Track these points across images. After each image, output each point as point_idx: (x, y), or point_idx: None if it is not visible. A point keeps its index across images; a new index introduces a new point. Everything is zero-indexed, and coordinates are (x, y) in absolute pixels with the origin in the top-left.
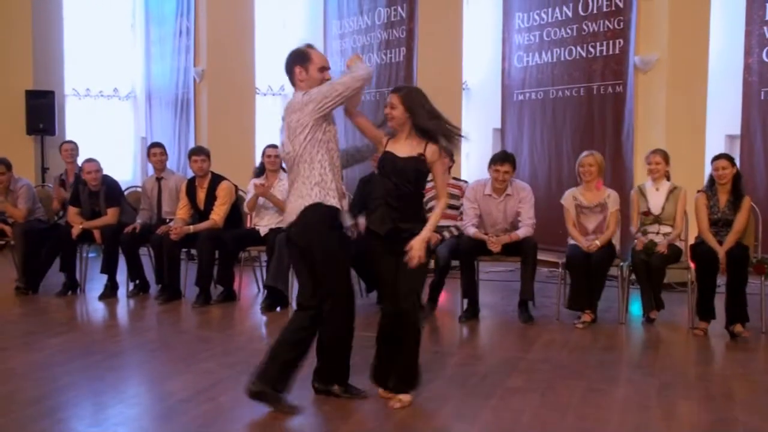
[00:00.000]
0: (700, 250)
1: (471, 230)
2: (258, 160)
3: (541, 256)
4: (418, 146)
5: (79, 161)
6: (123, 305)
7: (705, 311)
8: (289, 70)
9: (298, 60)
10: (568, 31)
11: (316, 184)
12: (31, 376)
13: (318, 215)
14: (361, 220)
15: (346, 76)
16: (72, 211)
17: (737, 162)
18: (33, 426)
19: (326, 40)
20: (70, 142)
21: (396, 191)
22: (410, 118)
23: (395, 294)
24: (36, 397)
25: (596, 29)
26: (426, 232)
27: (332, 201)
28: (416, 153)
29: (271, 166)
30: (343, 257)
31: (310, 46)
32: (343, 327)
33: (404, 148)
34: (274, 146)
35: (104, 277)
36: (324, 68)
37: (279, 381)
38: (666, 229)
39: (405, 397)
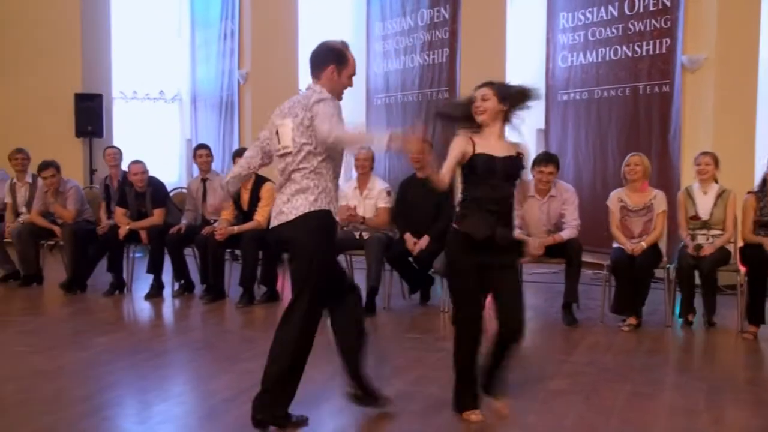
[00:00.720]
0: (751, 252)
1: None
2: None
3: (585, 258)
4: (512, 146)
5: (124, 164)
6: (168, 305)
7: (755, 315)
8: (321, 64)
9: (336, 59)
10: (614, 30)
11: (323, 191)
12: (79, 375)
13: (322, 222)
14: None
15: (356, 131)
16: (119, 212)
17: None
18: (80, 424)
19: (369, 42)
20: (114, 147)
21: (494, 194)
22: (504, 110)
23: (509, 312)
24: (83, 395)
25: (642, 28)
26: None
27: (332, 206)
28: (515, 153)
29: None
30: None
31: (347, 46)
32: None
33: (499, 148)
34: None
35: (150, 277)
36: (352, 75)
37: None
38: (715, 233)
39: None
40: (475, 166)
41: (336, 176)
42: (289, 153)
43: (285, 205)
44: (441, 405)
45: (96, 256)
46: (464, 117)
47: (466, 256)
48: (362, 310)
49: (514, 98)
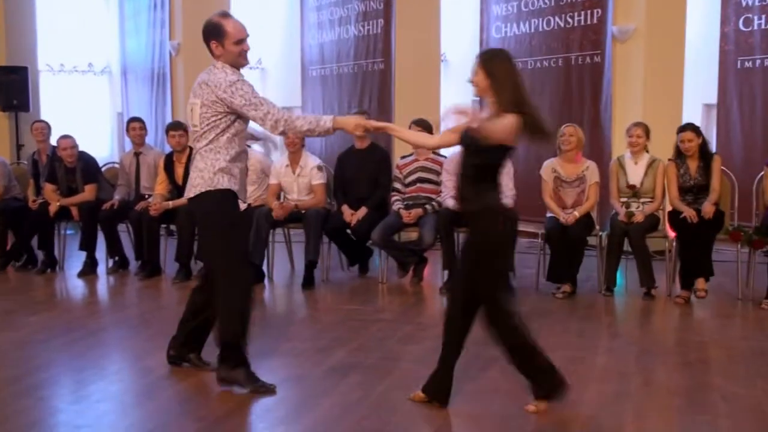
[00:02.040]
0: (679, 218)
1: (450, 202)
2: None
3: (520, 227)
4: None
5: (53, 139)
6: (103, 282)
7: (689, 275)
8: (206, 43)
9: (213, 34)
10: (546, 1)
11: (220, 169)
12: (11, 355)
13: (221, 199)
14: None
15: (291, 116)
16: (49, 188)
17: (714, 131)
18: (14, 404)
19: (303, 12)
20: (41, 121)
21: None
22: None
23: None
24: (16, 375)
25: None
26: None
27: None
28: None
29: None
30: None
31: (224, 15)
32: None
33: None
34: None
35: (83, 255)
36: (241, 41)
37: None
38: (645, 201)
39: None
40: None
41: (239, 155)
42: (197, 131)
43: (190, 182)
44: (382, 375)
45: (28, 233)
46: None
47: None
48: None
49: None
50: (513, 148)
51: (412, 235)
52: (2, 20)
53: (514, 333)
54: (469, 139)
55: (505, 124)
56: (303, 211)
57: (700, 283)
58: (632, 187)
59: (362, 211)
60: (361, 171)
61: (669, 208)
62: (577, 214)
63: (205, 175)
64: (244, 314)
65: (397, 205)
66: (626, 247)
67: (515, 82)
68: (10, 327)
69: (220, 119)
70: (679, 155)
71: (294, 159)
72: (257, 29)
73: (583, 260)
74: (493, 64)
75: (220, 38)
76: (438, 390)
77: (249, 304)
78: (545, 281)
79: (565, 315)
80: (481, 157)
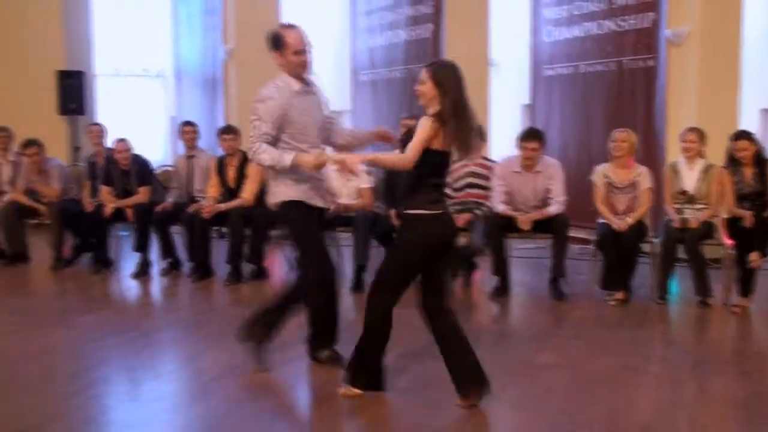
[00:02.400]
0: (737, 226)
1: (500, 207)
2: None
3: (572, 233)
4: None
5: (109, 141)
6: (156, 283)
7: (746, 287)
8: (271, 52)
9: (274, 45)
10: (599, 4)
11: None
12: (68, 353)
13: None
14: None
15: (261, 148)
16: (104, 190)
17: None
18: (70, 402)
19: (353, 17)
20: (97, 124)
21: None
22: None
23: None
24: (71, 373)
25: (627, 2)
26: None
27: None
28: None
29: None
30: None
31: (287, 26)
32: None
33: None
34: None
35: (137, 256)
36: (300, 51)
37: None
38: (700, 207)
39: None
40: None
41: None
42: None
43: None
44: (430, 379)
45: (85, 234)
46: None
47: None
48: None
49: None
50: (440, 153)
51: (461, 240)
52: (61, 26)
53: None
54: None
55: (422, 125)
56: (352, 215)
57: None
58: (685, 193)
59: None
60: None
61: (725, 215)
62: (630, 220)
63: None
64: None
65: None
66: (682, 254)
67: (458, 94)
68: (66, 325)
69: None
70: (733, 162)
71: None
72: (307, 33)
73: (636, 267)
74: (442, 75)
75: (281, 48)
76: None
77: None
78: (598, 288)
79: (618, 322)
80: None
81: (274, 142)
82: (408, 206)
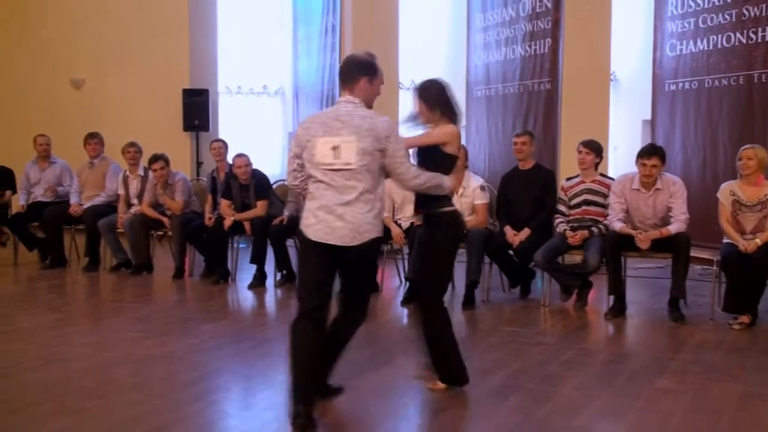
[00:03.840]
0: None
1: (617, 225)
2: None
3: (693, 253)
4: None
5: (229, 157)
6: (271, 294)
7: None
8: (354, 77)
9: (368, 70)
10: (726, 16)
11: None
12: (188, 360)
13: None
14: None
15: (428, 176)
16: (224, 203)
17: None
18: (189, 407)
19: (469, 33)
20: (219, 140)
21: None
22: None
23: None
24: (191, 379)
25: (758, 13)
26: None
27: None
28: None
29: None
30: None
31: (374, 56)
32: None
33: None
34: None
35: (254, 267)
36: (382, 83)
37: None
38: None
39: None
40: None
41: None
42: (349, 170)
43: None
44: (542, 399)
45: (206, 246)
46: None
47: None
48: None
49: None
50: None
51: (576, 258)
52: (187, 47)
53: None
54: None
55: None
56: (465, 232)
57: None
58: None
59: (525, 232)
60: (525, 192)
61: None
62: (759, 241)
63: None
64: None
65: (561, 227)
66: None
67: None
68: (187, 333)
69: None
70: None
71: (457, 179)
72: (422, 50)
73: (764, 290)
74: (429, 93)
75: (372, 76)
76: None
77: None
78: (720, 311)
79: (742, 348)
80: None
81: None
82: (439, 205)
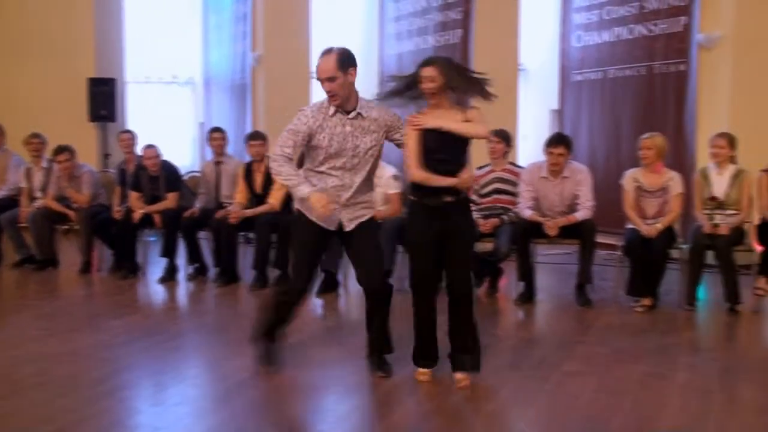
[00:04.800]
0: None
1: (527, 213)
2: None
3: (599, 239)
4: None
5: (138, 148)
6: (182, 288)
7: None
8: (346, 67)
9: (354, 62)
10: (629, 9)
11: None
12: (95, 357)
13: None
14: None
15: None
16: (133, 196)
17: None
18: (98, 405)
19: (382, 23)
20: (128, 131)
21: (440, 168)
22: (446, 85)
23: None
24: (99, 377)
25: (659, 6)
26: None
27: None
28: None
29: None
30: None
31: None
32: None
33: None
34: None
35: (164, 261)
36: (319, 80)
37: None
38: (730, 213)
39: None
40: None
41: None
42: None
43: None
44: (455, 385)
45: (114, 240)
46: (408, 91)
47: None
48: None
49: (457, 81)
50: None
51: (487, 245)
52: (93, 34)
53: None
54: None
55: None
56: (379, 221)
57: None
58: (714, 198)
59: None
60: None
61: (756, 221)
62: (660, 226)
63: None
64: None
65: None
66: (711, 260)
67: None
68: (96, 329)
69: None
70: None
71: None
72: (335, 40)
73: (664, 273)
74: (449, 68)
75: (355, 67)
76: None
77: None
78: (624, 294)
79: (645, 329)
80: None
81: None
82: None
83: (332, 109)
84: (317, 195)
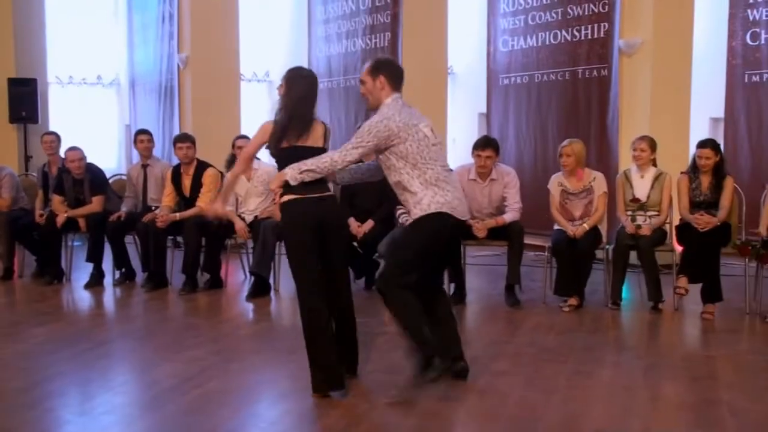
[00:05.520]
0: (687, 230)
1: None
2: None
3: (527, 240)
4: None
5: (62, 150)
6: (109, 293)
7: (712, 293)
8: (376, 75)
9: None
10: (553, 15)
11: None
12: (18, 366)
13: None
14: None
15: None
16: (56, 199)
17: (721, 145)
18: (21, 415)
19: (311, 25)
20: (51, 133)
21: None
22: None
23: None
24: (22, 387)
25: (581, 13)
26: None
27: None
28: None
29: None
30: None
31: (390, 60)
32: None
33: None
34: (244, 137)
35: (90, 266)
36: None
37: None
38: (652, 214)
39: None
40: None
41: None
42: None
43: None
44: (387, 387)
45: (36, 245)
46: None
47: None
48: None
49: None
50: None
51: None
52: (12, 33)
53: None
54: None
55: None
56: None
57: (708, 307)
58: (636, 200)
59: (369, 223)
60: (368, 184)
61: (676, 221)
62: (586, 226)
63: None
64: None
65: (403, 218)
66: (634, 260)
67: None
68: (17, 338)
69: None
70: (694, 169)
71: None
72: (264, 42)
73: (590, 273)
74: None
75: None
76: None
77: None
78: (552, 294)
79: (572, 328)
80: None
81: None
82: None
83: None
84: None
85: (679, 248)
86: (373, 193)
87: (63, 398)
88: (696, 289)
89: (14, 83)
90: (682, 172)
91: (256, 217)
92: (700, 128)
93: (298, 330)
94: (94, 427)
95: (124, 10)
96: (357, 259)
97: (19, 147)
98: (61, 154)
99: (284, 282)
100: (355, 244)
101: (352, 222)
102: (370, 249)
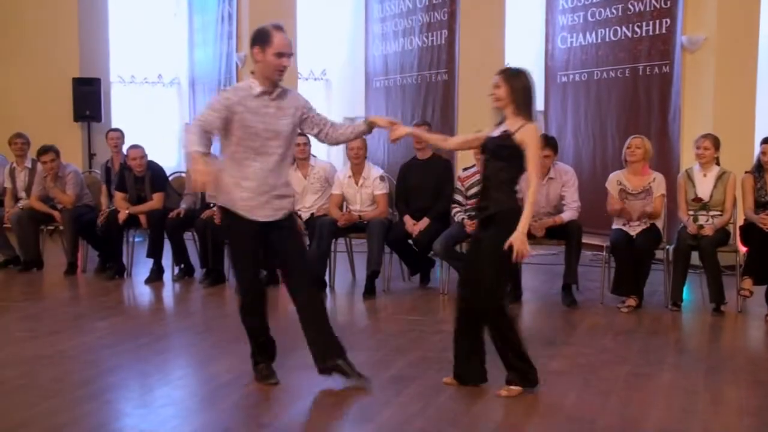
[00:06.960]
0: (752, 231)
1: None
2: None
3: (585, 240)
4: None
5: (125, 148)
6: (168, 289)
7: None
8: (251, 48)
9: (258, 40)
10: (614, 10)
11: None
12: (80, 359)
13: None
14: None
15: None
16: (119, 196)
17: None
18: (82, 407)
19: (367, 24)
20: (116, 130)
21: (484, 171)
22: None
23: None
24: (84, 379)
25: (642, 8)
26: (522, 226)
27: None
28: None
29: (300, 155)
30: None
31: (277, 27)
32: None
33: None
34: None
35: (150, 262)
36: (281, 54)
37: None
38: (715, 214)
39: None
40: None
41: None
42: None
43: None
44: (441, 386)
45: (105, 239)
46: None
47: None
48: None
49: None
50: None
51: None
52: (77, 34)
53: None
54: (495, 146)
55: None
56: (365, 222)
57: None
58: (698, 200)
59: (424, 221)
60: (424, 182)
61: (740, 222)
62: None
63: None
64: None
65: (459, 216)
66: (695, 261)
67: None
68: (79, 331)
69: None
70: (759, 168)
71: (357, 170)
72: (322, 41)
73: (649, 273)
74: (516, 81)
75: (264, 45)
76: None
77: None
78: (610, 294)
79: (630, 329)
80: (507, 162)
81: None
82: (512, 203)
83: (259, 89)
84: (197, 158)
85: (743, 249)
86: (428, 190)
87: (123, 391)
88: (760, 291)
89: (79, 83)
90: (746, 172)
91: (312, 214)
92: (765, 126)
93: (351, 327)
94: (152, 419)
95: (185, 10)
96: (412, 257)
97: (83, 145)
98: (124, 151)
99: (339, 279)
100: (411, 241)
101: (408, 220)
102: (425, 247)
